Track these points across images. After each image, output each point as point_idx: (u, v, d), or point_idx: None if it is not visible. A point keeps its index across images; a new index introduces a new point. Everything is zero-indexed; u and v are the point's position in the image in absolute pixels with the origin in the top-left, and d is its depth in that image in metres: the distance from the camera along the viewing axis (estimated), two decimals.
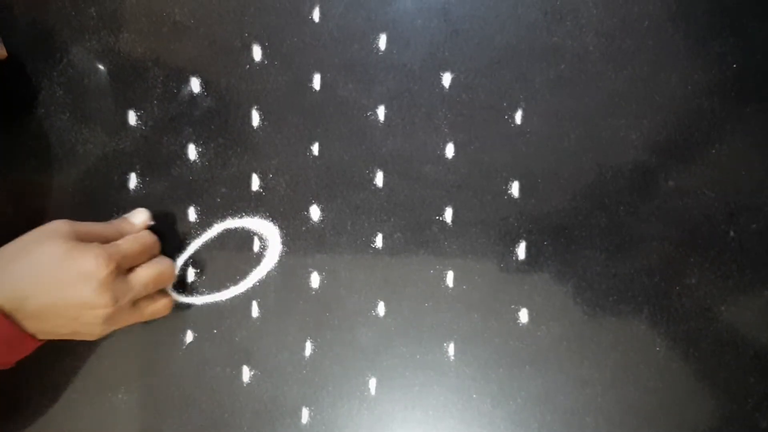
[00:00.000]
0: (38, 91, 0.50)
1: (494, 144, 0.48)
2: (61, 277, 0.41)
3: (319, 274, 0.50)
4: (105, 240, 0.44)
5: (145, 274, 0.45)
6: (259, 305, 0.51)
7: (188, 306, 0.51)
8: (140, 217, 0.48)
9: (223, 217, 0.50)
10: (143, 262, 0.46)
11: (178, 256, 0.51)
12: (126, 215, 0.48)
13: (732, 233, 0.48)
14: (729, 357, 0.48)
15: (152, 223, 0.48)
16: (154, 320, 0.49)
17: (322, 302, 0.50)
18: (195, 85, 0.50)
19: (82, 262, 0.41)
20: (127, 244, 0.44)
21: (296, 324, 0.50)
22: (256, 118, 0.50)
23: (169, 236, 0.50)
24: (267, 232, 0.50)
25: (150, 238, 0.47)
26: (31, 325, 0.42)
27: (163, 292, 0.49)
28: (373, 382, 0.50)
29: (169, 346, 0.51)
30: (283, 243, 0.50)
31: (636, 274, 0.48)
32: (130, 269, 0.45)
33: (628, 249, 0.48)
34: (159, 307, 0.47)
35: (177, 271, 0.49)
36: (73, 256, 0.41)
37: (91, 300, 0.42)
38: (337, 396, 0.50)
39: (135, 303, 0.45)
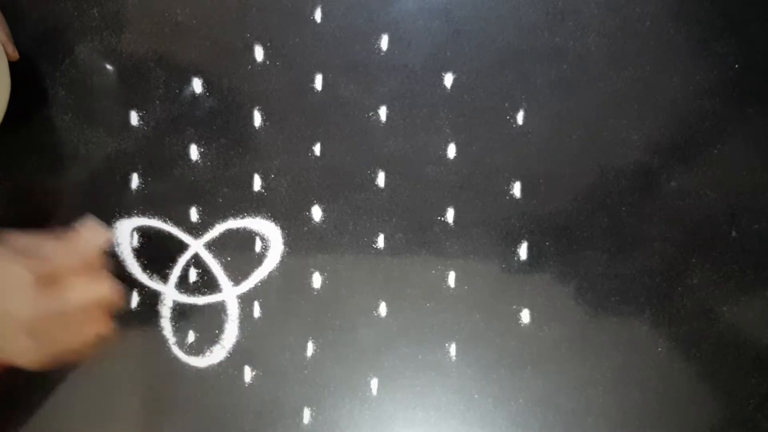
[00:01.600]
0: (41, 92, 0.50)
1: (496, 144, 0.48)
2: None
3: (320, 275, 0.50)
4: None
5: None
6: (261, 305, 0.51)
7: (190, 306, 0.51)
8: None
9: (224, 218, 0.50)
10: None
11: (179, 256, 0.51)
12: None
13: (734, 234, 0.48)
14: (730, 357, 0.48)
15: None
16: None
17: (323, 302, 0.50)
18: (197, 85, 0.50)
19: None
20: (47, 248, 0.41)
21: (298, 324, 0.50)
22: (257, 119, 0.50)
23: (171, 237, 0.50)
24: (269, 232, 0.50)
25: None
26: None
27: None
28: (374, 382, 0.50)
29: (171, 346, 0.51)
30: (285, 243, 0.50)
31: (638, 275, 0.48)
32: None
33: (629, 250, 0.48)
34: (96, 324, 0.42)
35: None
36: None
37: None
38: (339, 396, 0.50)
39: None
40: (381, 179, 0.49)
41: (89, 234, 0.43)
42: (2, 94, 0.45)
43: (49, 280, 0.40)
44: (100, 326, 0.42)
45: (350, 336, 0.50)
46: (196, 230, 0.51)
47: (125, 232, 0.51)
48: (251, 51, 0.49)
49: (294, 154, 0.50)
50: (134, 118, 0.50)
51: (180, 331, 0.51)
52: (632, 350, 0.49)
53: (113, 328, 0.42)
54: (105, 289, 0.42)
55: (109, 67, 0.50)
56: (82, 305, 0.41)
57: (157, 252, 0.51)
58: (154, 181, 0.50)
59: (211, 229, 0.51)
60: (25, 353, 0.40)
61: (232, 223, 0.50)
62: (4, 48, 0.46)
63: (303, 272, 0.50)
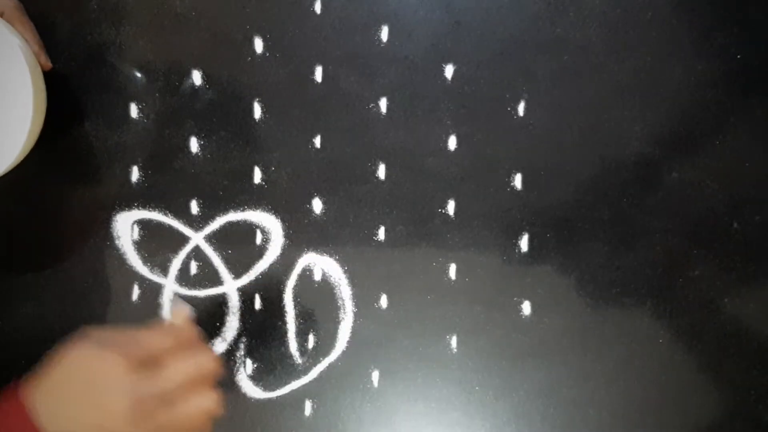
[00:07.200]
0: None
1: (497, 136, 0.48)
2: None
3: (321, 267, 0.50)
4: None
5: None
6: (262, 298, 0.51)
7: (191, 299, 0.51)
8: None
9: (225, 210, 0.50)
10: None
11: (180, 249, 0.51)
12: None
13: (736, 225, 0.48)
14: (732, 349, 0.48)
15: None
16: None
17: (324, 295, 0.50)
18: (197, 77, 0.50)
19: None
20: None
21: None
22: (257, 111, 0.50)
23: (171, 230, 0.50)
24: (269, 225, 0.50)
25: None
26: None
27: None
28: (375, 375, 0.50)
29: None
30: (286, 236, 0.50)
31: (639, 267, 0.48)
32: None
33: (631, 241, 0.48)
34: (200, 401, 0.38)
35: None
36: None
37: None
38: (340, 388, 0.50)
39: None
40: (381, 171, 0.49)
41: (174, 312, 0.41)
42: (40, 102, 0.44)
43: (143, 364, 0.37)
44: (205, 401, 0.38)
45: (351, 328, 0.50)
46: (196, 223, 0.51)
47: (126, 225, 0.51)
48: (251, 43, 0.49)
49: (294, 146, 0.50)
50: (134, 111, 0.50)
51: None
52: (633, 342, 0.49)
53: (218, 401, 0.39)
54: (203, 360, 0.39)
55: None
56: (182, 382, 0.38)
57: (158, 245, 0.51)
58: (154, 173, 0.50)
59: (211, 221, 0.50)
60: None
61: (233, 216, 0.50)
62: (37, 58, 0.45)
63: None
